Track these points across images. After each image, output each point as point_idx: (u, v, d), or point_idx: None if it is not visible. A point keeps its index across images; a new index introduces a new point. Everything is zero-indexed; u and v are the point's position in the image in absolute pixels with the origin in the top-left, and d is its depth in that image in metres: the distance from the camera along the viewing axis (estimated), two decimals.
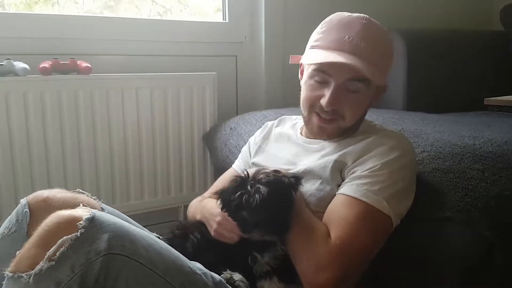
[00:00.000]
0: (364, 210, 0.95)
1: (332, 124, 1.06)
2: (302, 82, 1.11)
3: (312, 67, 1.06)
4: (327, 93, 1.02)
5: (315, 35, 1.08)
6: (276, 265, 0.98)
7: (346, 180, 1.00)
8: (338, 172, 1.03)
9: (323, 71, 1.03)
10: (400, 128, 1.33)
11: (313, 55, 1.06)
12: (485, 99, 1.99)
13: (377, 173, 0.97)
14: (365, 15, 1.04)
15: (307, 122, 1.11)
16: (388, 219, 0.96)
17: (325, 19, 1.08)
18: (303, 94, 1.10)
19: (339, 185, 1.01)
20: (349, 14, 1.05)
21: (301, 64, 1.14)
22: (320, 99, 1.04)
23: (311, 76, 1.06)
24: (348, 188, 0.98)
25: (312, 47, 1.07)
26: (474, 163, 1.09)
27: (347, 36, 1.00)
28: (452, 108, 1.96)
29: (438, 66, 2.07)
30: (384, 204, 0.95)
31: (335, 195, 1.00)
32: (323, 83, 1.04)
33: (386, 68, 1.07)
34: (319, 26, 1.08)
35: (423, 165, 1.11)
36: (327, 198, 1.01)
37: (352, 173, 1.00)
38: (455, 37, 2.19)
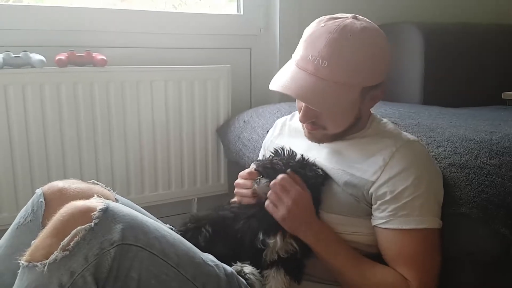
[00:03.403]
0: (422, 237, 0.95)
1: (318, 131, 1.06)
2: None
3: None
4: (302, 108, 1.03)
5: (299, 42, 1.04)
6: (284, 255, 0.98)
7: (381, 209, 0.98)
8: (353, 186, 1.02)
9: None
10: (416, 122, 1.32)
11: (276, 75, 1.04)
12: (503, 93, 1.95)
13: (413, 195, 0.96)
14: (341, 23, 0.97)
15: (302, 127, 1.11)
16: (440, 229, 0.98)
17: (309, 25, 1.03)
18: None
19: (351, 194, 1.01)
20: (327, 21, 0.99)
21: None
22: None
23: None
24: (394, 221, 0.96)
25: (292, 57, 1.05)
26: (491, 159, 1.08)
27: (310, 55, 0.97)
28: (469, 102, 1.93)
29: (455, 60, 2.04)
30: (433, 220, 0.97)
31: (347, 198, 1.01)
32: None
33: (369, 71, 0.99)
34: (303, 33, 1.04)
35: (439, 160, 1.09)
36: (343, 201, 1.02)
37: (381, 199, 0.98)
38: (473, 30, 2.15)
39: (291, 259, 0.99)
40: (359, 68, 0.96)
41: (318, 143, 1.09)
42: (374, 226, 0.99)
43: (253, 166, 1.10)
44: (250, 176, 1.06)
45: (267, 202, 1.00)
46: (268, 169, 1.03)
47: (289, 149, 1.08)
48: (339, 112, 1.02)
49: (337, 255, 0.99)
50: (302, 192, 0.99)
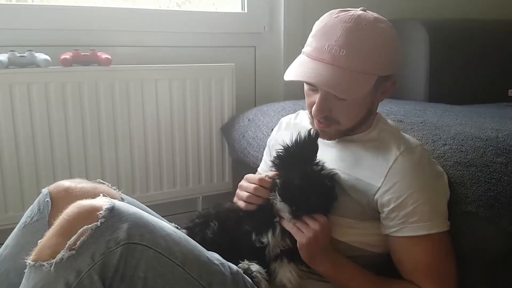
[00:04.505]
0: (436, 242, 0.95)
1: (330, 127, 1.04)
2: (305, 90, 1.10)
3: None
4: (317, 99, 1.01)
5: (309, 37, 1.04)
6: (284, 247, 0.99)
7: (390, 217, 0.97)
8: (358, 191, 1.01)
9: (306, 81, 1.02)
10: (422, 120, 1.31)
11: (290, 67, 1.03)
12: (509, 90, 1.94)
13: (421, 200, 0.95)
14: (354, 13, 0.98)
15: (311, 124, 1.10)
16: (448, 230, 0.97)
17: (319, 19, 1.04)
18: (305, 97, 1.09)
19: (356, 199, 1.01)
20: (339, 13, 1.00)
21: None
22: (313, 105, 1.02)
23: (305, 83, 1.05)
24: (405, 229, 0.96)
25: (302, 51, 1.05)
26: (497, 157, 1.07)
27: (326, 45, 0.96)
28: (475, 99, 1.92)
29: (461, 57, 2.03)
30: (443, 222, 0.97)
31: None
32: (314, 90, 1.03)
33: (384, 61, 0.99)
34: (313, 27, 1.04)
35: (445, 158, 1.09)
36: (346, 204, 1.01)
37: (388, 206, 0.97)
38: (479, 27, 2.14)
39: (294, 248, 0.99)
40: (375, 56, 0.97)
41: (329, 140, 1.08)
42: (386, 235, 0.99)
43: (265, 172, 1.08)
44: (261, 183, 1.04)
45: (290, 225, 0.99)
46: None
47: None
48: (355, 104, 1.01)
49: (355, 278, 0.99)
50: (327, 220, 0.99)
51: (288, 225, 0.99)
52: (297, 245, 0.98)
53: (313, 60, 0.98)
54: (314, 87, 1.02)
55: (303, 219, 0.98)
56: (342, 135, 1.07)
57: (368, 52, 0.96)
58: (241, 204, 1.05)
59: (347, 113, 1.02)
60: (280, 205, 1.00)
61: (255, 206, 1.03)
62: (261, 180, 1.04)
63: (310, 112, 1.06)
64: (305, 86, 1.05)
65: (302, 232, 0.97)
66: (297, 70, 1.00)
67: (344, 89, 0.95)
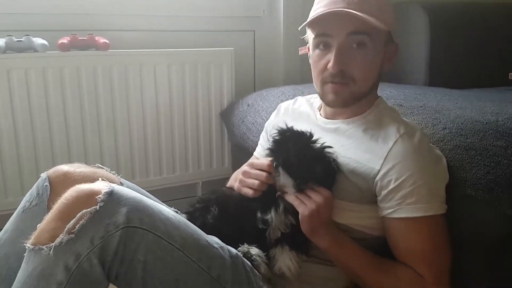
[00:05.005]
0: (432, 225, 0.95)
1: (344, 88, 1.03)
2: (311, 61, 1.09)
3: (313, 38, 1.04)
4: (332, 56, 1.00)
5: (314, 5, 1.04)
6: (286, 231, 0.99)
7: (387, 199, 0.97)
8: (358, 175, 1.01)
9: (323, 34, 1.01)
10: (422, 104, 1.31)
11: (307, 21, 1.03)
12: (509, 73, 1.93)
13: (419, 183, 0.95)
14: None
15: (322, 96, 1.09)
16: (445, 214, 0.97)
17: None
18: (313, 69, 1.08)
19: (355, 183, 1.01)
20: None
21: (308, 49, 1.12)
22: (327, 66, 1.01)
23: (314, 47, 1.04)
24: (402, 210, 0.95)
25: (311, 15, 1.04)
26: (497, 140, 1.07)
27: None
28: (475, 83, 1.91)
29: (461, 40, 2.01)
30: (441, 205, 0.96)
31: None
32: (326, 49, 1.02)
33: (392, 14, 1.02)
34: None
35: (444, 142, 1.08)
36: (346, 188, 1.01)
37: (386, 188, 0.97)
38: (480, 10, 2.12)
39: (294, 234, 0.99)
40: (386, 8, 1.01)
41: (342, 106, 1.06)
42: (383, 217, 0.99)
43: (265, 155, 1.06)
44: (269, 170, 1.02)
45: (293, 197, 0.99)
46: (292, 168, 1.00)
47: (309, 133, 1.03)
48: (371, 58, 1.01)
49: (355, 255, 0.99)
50: (330, 194, 0.99)
51: (291, 198, 0.99)
52: (299, 218, 0.97)
53: (330, 10, 0.98)
54: (327, 44, 1.01)
55: (306, 192, 0.98)
56: (355, 99, 1.05)
57: (380, 3, 1.00)
58: (248, 191, 1.03)
59: (362, 66, 1.01)
60: (283, 179, 0.99)
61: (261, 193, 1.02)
62: (269, 166, 1.02)
63: (320, 79, 1.05)
64: (316, 51, 1.04)
65: (305, 205, 0.97)
66: (317, 14, 0.99)
67: (372, 20, 0.96)
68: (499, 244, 0.99)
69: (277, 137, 1.03)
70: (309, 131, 1.02)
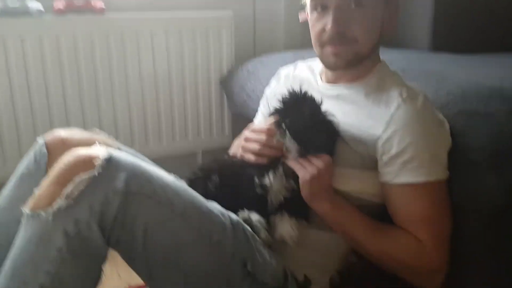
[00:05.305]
0: (433, 190, 0.94)
1: (346, 47, 1.01)
2: (310, 25, 1.06)
3: (310, 0, 1.02)
4: (330, 17, 0.98)
5: None
6: (287, 196, 0.98)
7: (389, 164, 0.96)
8: (359, 141, 0.99)
9: None
10: (425, 69, 1.28)
11: None
12: None
13: (421, 148, 0.93)
14: None
15: (322, 59, 1.06)
16: (447, 180, 0.96)
17: None
18: (311, 33, 1.05)
19: (356, 150, 0.99)
20: None
21: (307, 14, 1.09)
22: (325, 28, 0.99)
23: (312, 10, 1.02)
24: (404, 174, 0.94)
25: None
26: (502, 105, 1.05)
27: None
28: (481, 48, 1.85)
29: (467, 2, 1.95)
30: (443, 171, 0.95)
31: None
32: (324, 11, 1.00)
33: None
34: None
35: (448, 108, 1.06)
36: (347, 155, 1.00)
37: (388, 153, 0.95)
38: None
39: (295, 201, 0.98)
40: None
41: (345, 66, 1.04)
42: (383, 183, 0.98)
43: (268, 120, 1.05)
44: (270, 133, 1.00)
45: (295, 162, 0.97)
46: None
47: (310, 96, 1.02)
48: (371, 15, 0.99)
49: (353, 221, 0.99)
50: (331, 160, 0.98)
51: (292, 162, 0.98)
52: (299, 182, 0.97)
53: None
54: (325, 5, 0.99)
55: (308, 157, 0.97)
56: (359, 59, 1.03)
57: None
58: (251, 157, 1.02)
59: (363, 26, 0.99)
60: (289, 143, 0.98)
61: (266, 159, 1.00)
62: (270, 130, 1.01)
63: (319, 41, 1.03)
64: (314, 14, 1.02)
65: (306, 169, 0.96)
66: None
67: None
68: (502, 212, 0.99)
69: (287, 99, 1.01)
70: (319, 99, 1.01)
